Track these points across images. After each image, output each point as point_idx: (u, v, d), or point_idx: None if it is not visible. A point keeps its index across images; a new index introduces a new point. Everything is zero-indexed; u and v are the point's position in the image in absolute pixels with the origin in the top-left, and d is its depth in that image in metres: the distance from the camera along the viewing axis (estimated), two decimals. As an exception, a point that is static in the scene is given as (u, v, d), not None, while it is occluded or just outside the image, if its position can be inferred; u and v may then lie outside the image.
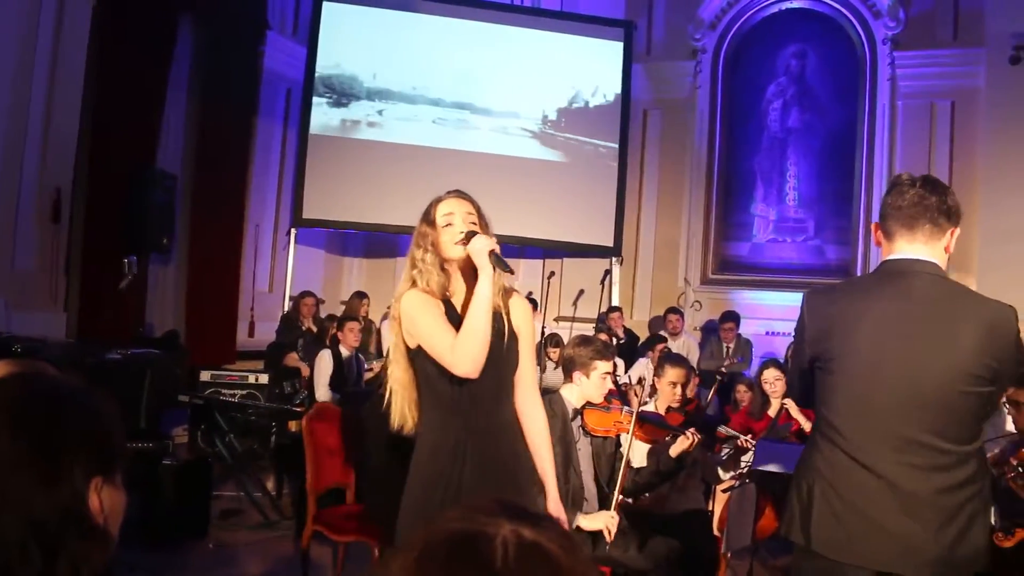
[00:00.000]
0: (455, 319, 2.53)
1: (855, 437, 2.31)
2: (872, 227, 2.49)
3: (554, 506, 2.68)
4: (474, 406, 2.51)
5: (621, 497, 3.66)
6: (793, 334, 2.50)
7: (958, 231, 2.37)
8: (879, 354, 2.29)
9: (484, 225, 2.60)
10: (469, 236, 2.49)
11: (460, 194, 2.64)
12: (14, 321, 5.68)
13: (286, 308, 9.17)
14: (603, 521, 3.52)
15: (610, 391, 3.90)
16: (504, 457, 2.56)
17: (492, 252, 2.45)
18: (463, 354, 2.42)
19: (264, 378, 7.24)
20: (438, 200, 2.62)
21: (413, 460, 2.58)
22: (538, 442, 2.69)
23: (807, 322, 2.44)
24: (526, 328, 2.66)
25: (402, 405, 2.60)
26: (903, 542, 2.24)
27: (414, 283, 2.57)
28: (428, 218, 2.59)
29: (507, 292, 2.64)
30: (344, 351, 6.67)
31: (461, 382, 2.47)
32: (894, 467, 2.26)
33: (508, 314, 2.60)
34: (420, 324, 2.50)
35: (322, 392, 6.39)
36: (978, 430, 2.31)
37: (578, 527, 3.53)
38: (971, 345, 2.23)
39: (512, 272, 2.49)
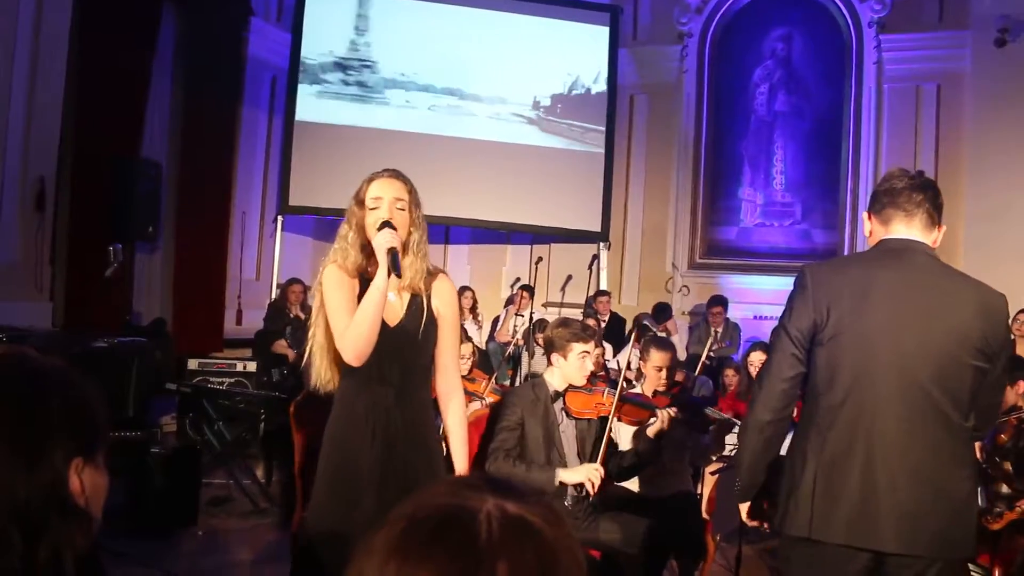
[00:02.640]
0: None
1: (860, 414, 2.30)
2: (865, 216, 2.52)
3: None
4: (382, 383, 2.57)
5: (604, 452, 3.66)
6: (785, 309, 2.47)
7: (944, 228, 2.46)
8: (893, 319, 2.32)
9: (414, 208, 2.61)
10: (382, 226, 2.51)
11: (394, 175, 2.64)
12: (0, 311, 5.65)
13: (273, 295, 9.15)
14: (585, 473, 3.52)
15: (594, 374, 3.90)
16: (412, 436, 2.59)
17: (390, 250, 2.48)
18: (347, 342, 2.50)
19: (252, 366, 7.23)
20: (370, 179, 2.63)
21: (326, 432, 2.64)
22: (452, 423, 2.74)
23: (812, 292, 2.40)
24: (448, 311, 2.69)
25: (320, 364, 2.63)
26: (906, 521, 2.25)
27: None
28: (358, 197, 2.62)
29: (432, 274, 2.67)
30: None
31: (370, 359, 2.52)
32: (898, 438, 2.28)
33: (429, 297, 2.63)
34: (328, 302, 2.57)
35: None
36: (971, 411, 2.35)
37: (560, 482, 3.55)
38: (970, 318, 2.30)
39: (400, 276, 2.51)
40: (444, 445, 2.81)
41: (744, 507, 2.61)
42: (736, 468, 2.65)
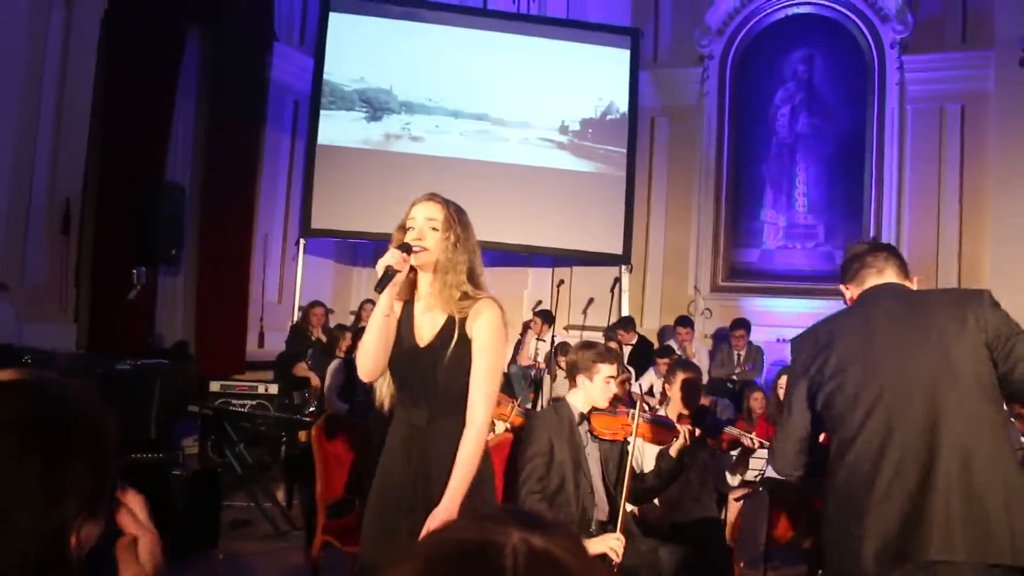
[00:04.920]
0: (407, 321, 2.64)
1: (885, 429, 2.34)
2: (842, 288, 2.68)
3: (433, 516, 2.43)
4: (415, 405, 2.61)
5: (627, 512, 3.62)
6: (785, 385, 2.72)
7: (915, 280, 2.64)
8: (893, 337, 2.41)
9: (448, 229, 2.59)
10: (400, 246, 2.53)
11: (431, 197, 2.66)
12: (24, 332, 5.69)
13: (295, 318, 9.17)
14: (607, 544, 3.44)
15: (616, 396, 3.87)
16: (443, 461, 2.53)
17: (387, 268, 2.49)
18: (358, 359, 2.63)
19: (274, 388, 7.25)
20: (413, 204, 2.66)
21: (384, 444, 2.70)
22: (461, 448, 2.54)
23: (802, 350, 2.60)
24: (481, 335, 2.59)
25: (386, 388, 2.70)
26: (955, 531, 2.24)
27: None
28: (401, 222, 2.65)
29: (473, 298, 2.61)
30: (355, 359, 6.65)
31: (405, 380, 2.60)
32: (930, 446, 2.29)
33: (465, 319, 2.60)
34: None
35: (333, 402, 6.37)
36: (1000, 406, 2.38)
37: None
38: (958, 314, 2.37)
39: (379, 292, 2.51)
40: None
41: None
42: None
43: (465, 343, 2.59)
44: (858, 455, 2.38)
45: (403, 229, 2.62)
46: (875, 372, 2.39)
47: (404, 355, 2.60)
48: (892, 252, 2.63)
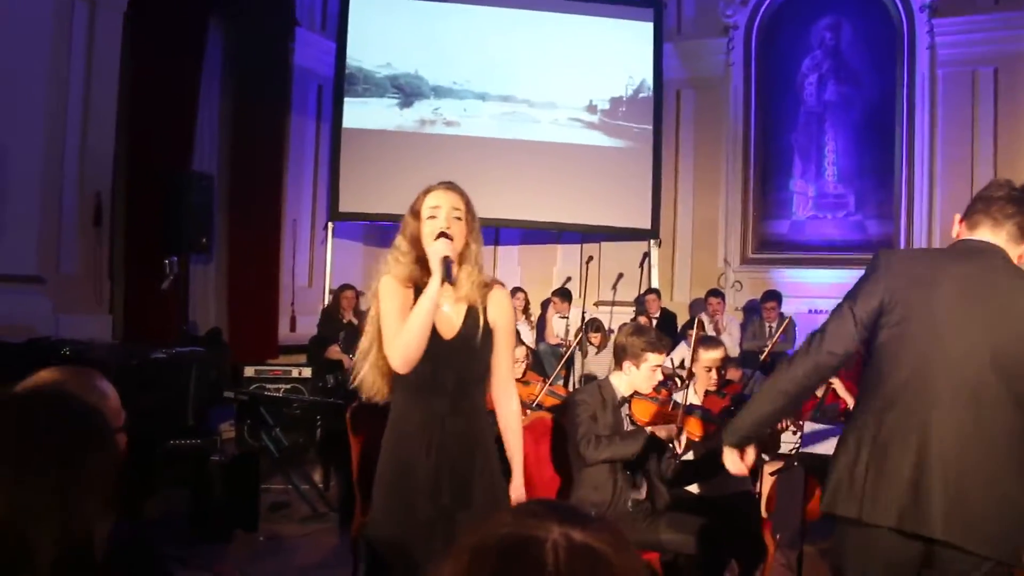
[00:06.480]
0: None
1: (919, 399, 2.30)
2: (955, 219, 2.51)
3: (516, 492, 2.72)
4: (436, 393, 2.58)
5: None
6: (853, 288, 2.46)
7: None
8: (960, 313, 2.31)
9: (470, 220, 2.63)
10: (439, 236, 2.53)
11: (450, 186, 2.65)
12: (61, 324, 5.79)
13: (326, 302, 9.25)
14: (668, 431, 3.59)
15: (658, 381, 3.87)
16: (470, 443, 2.61)
17: (444, 259, 2.49)
18: (396, 349, 2.53)
19: (307, 372, 7.31)
20: (426, 191, 2.65)
21: (383, 441, 2.66)
22: (507, 426, 2.77)
23: (884, 275, 2.42)
24: (503, 322, 2.68)
25: (368, 374, 2.66)
26: (956, 512, 2.21)
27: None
28: (413, 208, 2.63)
29: (488, 285, 2.67)
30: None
31: (425, 369, 2.55)
32: (956, 430, 2.25)
33: (485, 309, 2.64)
34: (383, 310, 2.60)
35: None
36: None
37: (652, 433, 3.59)
38: None
39: (453, 283, 2.52)
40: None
41: (732, 453, 2.61)
42: (740, 416, 2.62)
43: (488, 330, 2.63)
44: (895, 418, 2.34)
45: (417, 216, 2.61)
46: (929, 343, 2.32)
47: (428, 346, 2.55)
48: (1020, 213, 2.38)
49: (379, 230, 10.72)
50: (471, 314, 2.61)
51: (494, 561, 0.81)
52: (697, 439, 3.91)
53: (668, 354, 3.78)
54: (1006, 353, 2.26)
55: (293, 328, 9.16)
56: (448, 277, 2.48)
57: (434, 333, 2.56)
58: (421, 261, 2.60)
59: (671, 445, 3.64)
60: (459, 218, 2.59)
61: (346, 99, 9.71)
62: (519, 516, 0.86)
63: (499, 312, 2.67)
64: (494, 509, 2.54)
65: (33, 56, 5.94)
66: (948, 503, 2.22)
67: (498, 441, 2.78)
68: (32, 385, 1.65)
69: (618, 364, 3.80)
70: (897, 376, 2.34)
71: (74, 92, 6.24)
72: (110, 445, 1.19)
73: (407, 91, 9.92)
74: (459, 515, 2.52)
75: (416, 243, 2.61)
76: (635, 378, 3.71)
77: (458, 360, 2.59)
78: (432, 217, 2.57)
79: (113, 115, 6.64)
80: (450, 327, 2.60)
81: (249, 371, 7.16)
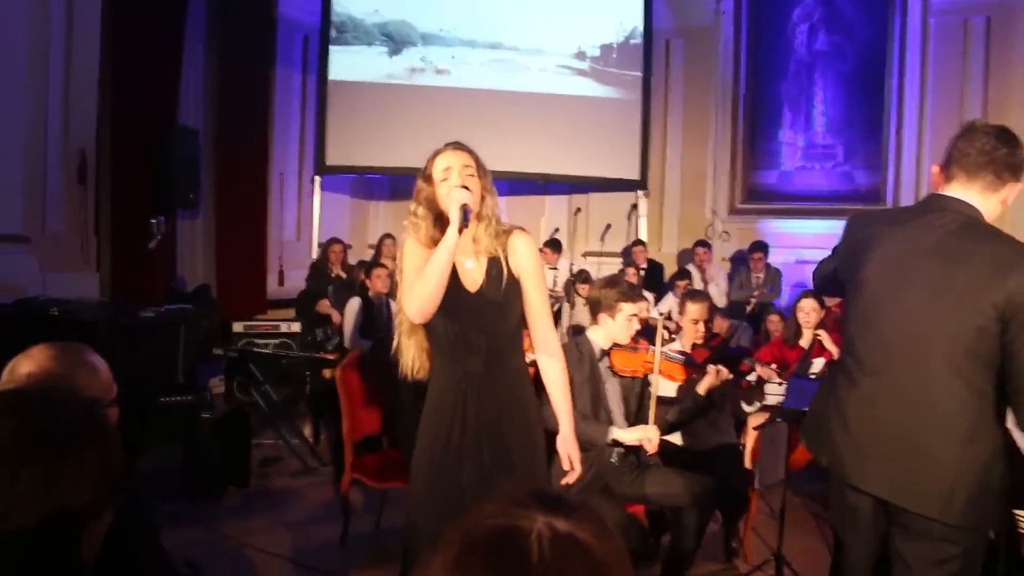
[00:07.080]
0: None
1: (866, 363, 2.40)
2: (934, 168, 2.48)
3: (562, 443, 2.69)
4: (470, 352, 2.59)
5: (656, 411, 3.70)
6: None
7: (1020, 186, 2.36)
8: (892, 281, 2.36)
9: (483, 175, 2.63)
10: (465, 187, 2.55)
11: (458, 146, 2.64)
12: (49, 283, 5.77)
13: (314, 256, 9.23)
14: (642, 434, 3.58)
15: (636, 331, 3.90)
16: (506, 402, 2.61)
17: (463, 206, 2.49)
18: (410, 300, 2.53)
19: (296, 326, 7.33)
20: (435, 154, 2.64)
21: (425, 406, 2.68)
22: (551, 378, 2.73)
23: (842, 241, 2.56)
24: (528, 265, 2.64)
25: (412, 352, 2.69)
26: (886, 468, 2.31)
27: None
28: (424, 173, 2.63)
29: (506, 232, 2.65)
30: (373, 297, 6.69)
31: (454, 328, 2.56)
32: (895, 399, 2.31)
33: (507, 257, 2.62)
34: (403, 270, 2.62)
35: (352, 339, 6.44)
36: (991, 381, 2.23)
37: (615, 440, 3.60)
38: (971, 283, 2.21)
39: (465, 227, 2.50)
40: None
41: None
42: None
43: (513, 280, 2.62)
44: (840, 375, 2.48)
45: (429, 180, 2.61)
46: (869, 308, 2.40)
47: (455, 303, 2.56)
48: (998, 155, 2.29)
49: (367, 183, 10.69)
50: (494, 264, 2.61)
51: (482, 553, 0.83)
52: (671, 378, 3.97)
53: (639, 303, 3.78)
54: (937, 323, 2.25)
55: (281, 283, 9.16)
56: (465, 221, 2.48)
57: (460, 289, 2.57)
58: (439, 222, 2.60)
59: (644, 449, 3.65)
60: (471, 175, 2.58)
61: (334, 48, 9.59)
62: (503, 506, 0.88)
63: (521, 256, 2.63)
64: (531, 470, 2.61)
65: (12, 11, 5.83)
66: (883, 461, 2.31)
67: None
68: (22, 376, 1.66)
69: (594, 318, 3.83)
70: (847, 338, 2.48)
71: (55, 48, 6.13)
72: (101, 440, 1.20)
73: (395, 39, 9.80)
74: (498, 478, 2.53)
75: (432, 204, 2.61)
76: (612, 329, 3.75)
77: (486, 316, 2.58)
78: (445, 179, 2.57)
79: (95, 70, 6.52)
80: (474, 282, 2.61)
81: (238, 327, 7.18)
